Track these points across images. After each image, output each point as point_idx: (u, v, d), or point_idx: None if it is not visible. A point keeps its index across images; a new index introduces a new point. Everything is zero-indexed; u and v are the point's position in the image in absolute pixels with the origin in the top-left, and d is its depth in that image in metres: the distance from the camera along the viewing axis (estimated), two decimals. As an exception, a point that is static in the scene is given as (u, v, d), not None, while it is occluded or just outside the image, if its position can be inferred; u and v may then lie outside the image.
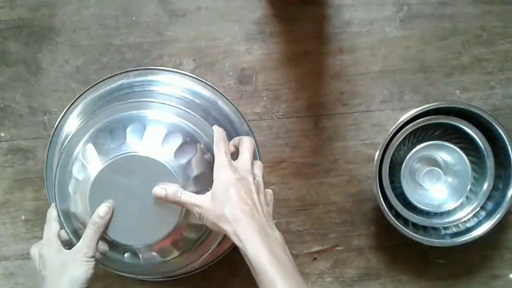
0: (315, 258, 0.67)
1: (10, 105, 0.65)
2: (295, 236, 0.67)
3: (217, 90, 0.64)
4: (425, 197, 0.64)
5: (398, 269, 0.67)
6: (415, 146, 0.62)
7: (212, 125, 0.55)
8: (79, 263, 0.51)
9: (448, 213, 0.64)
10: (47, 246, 0.54)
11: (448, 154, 0.64)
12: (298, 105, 0.65)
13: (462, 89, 0.65)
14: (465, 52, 0.65)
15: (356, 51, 0.65)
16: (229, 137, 0.62)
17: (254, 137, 0.65)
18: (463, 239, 0.62)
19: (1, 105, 0.65)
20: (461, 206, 0.63)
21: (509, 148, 0.60)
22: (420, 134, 0.64)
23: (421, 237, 0.61)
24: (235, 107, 0.64)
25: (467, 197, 0.63)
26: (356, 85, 0.65)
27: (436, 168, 0.64)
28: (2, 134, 0.65)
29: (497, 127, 0.60)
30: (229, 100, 0.64)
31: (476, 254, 0.67)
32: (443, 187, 0.64)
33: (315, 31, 0.64)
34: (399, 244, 0.66)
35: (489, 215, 0.62)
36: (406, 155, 0.62)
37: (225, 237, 0.62)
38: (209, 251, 0.58)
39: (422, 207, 0.62)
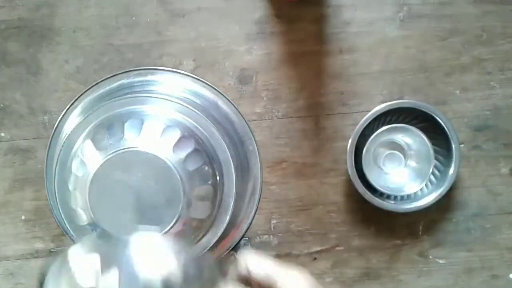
0: (315, 258, 0.67)
1: (10, 105, 0.65)
2: (295, 236, 0.67)
3: (217, 90, 0.64)
4: (387, 181, 0.65)
5: (398, 269, 0.67)
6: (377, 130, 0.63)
7: (212, 125, 0.55)
8: None
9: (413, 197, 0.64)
10: None
11: (410, 137, 0.64)
12: (298, 105, 0.65)
13: (462, 89, 0.65)
14: (465, 52, 0.65)
15: (356, 51, 0.65)
16: (229, 137, 0.62)
17: (254, 137, 0.65)
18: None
19: (1, 105, 0.65)
20: (425, 190, 0.64)
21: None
22: (385, 119, 0.65)
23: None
24: (235, 107, 0.64)
25: (430, 181, 0.64)
26: (356, 85, 0.65)
27: (397, 152, 0.65)
28: (2, 134, 0.65)
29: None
30: (229, 100, 0.64)
31: (476, 254, 0.67)
32: (405, 170, 0.65)
33: (315, 31, 0.64)
34: (399, 244, 0.66)
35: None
36: (367, 140, 0.63)
37: (225, 235, 0.62)
38: (210, 246, 0.58)
39: (383, 190, 0.63)
